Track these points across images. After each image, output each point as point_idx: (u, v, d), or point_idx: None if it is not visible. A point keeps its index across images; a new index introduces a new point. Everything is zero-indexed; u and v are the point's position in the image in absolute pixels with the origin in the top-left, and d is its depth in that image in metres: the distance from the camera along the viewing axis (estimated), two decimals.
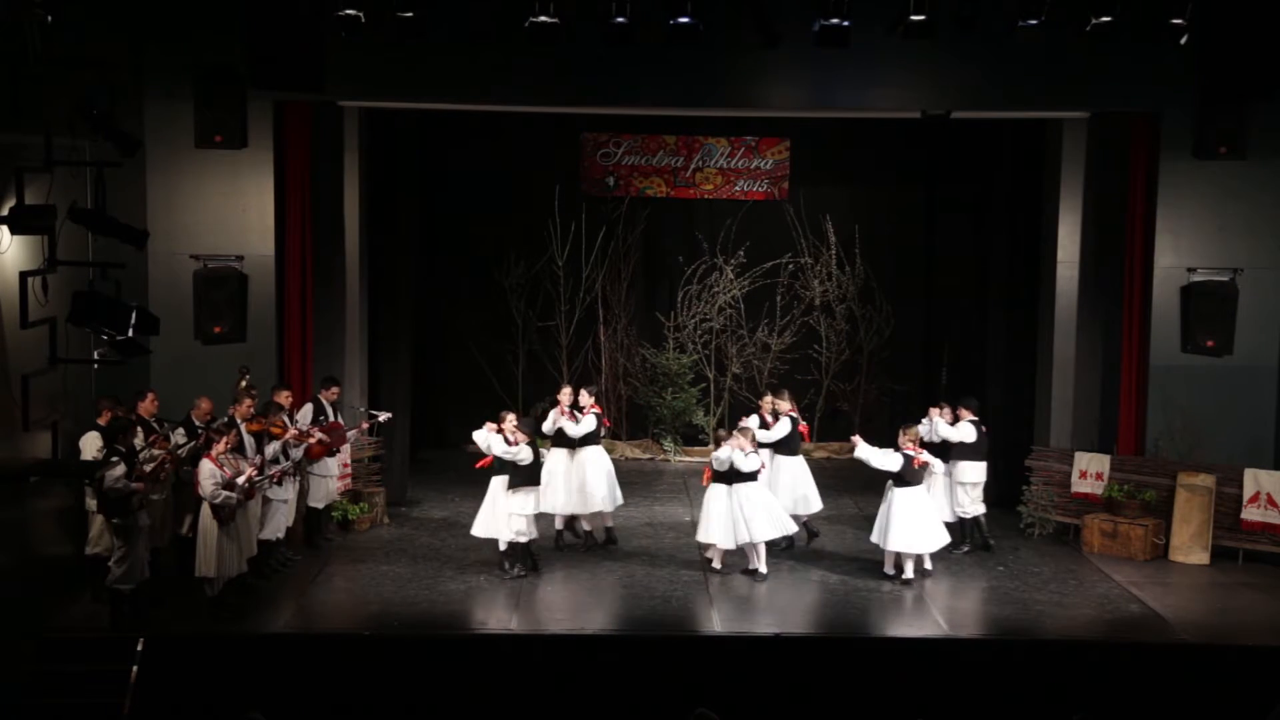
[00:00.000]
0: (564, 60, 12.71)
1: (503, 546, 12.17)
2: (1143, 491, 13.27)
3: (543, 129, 16.45)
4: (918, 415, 13.21)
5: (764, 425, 13.04)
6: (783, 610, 11.59)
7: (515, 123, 16.06)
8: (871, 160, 17.07)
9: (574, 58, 12.68)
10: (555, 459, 12.95)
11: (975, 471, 12.96)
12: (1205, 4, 11.70)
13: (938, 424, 12.80)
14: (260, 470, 11.27)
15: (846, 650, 10.73)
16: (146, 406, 11.40)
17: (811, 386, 17.41)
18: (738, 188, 17.40)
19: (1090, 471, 13.60)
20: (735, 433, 12.25)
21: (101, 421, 10.97)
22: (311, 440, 12.43)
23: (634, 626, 11.16)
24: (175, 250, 12.98)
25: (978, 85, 13.30)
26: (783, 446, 13.05)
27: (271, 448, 11.72)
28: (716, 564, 12.40)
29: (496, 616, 11.29)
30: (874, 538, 12.36)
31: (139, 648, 10.23)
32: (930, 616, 11.42)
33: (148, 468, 10.56)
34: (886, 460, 12.08)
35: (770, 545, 12.37)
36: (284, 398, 12.35)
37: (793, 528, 12.50)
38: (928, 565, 12.36)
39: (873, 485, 13.34)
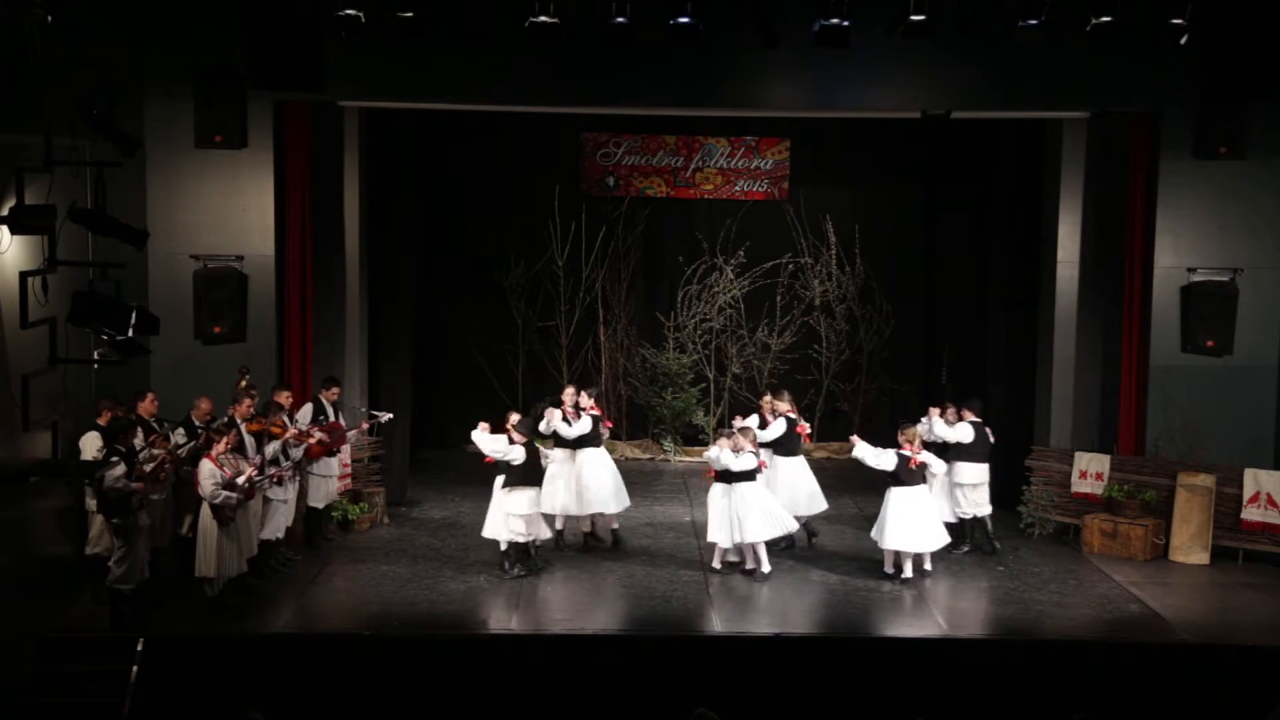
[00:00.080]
0: (564, 60, 12.71)
1: (503, 547, 12.19)
2: (1143, 491, 13.27)
3: (543, 129, 16.45)
4: (918, 415, 13.20)
5: (764, 425, 13.04)
6: (783, 610, 11.59)
7: (515, 123, 16.06)
8: (871, 160, 17.07)
9: (574, 58, 12.68)
10: (558, 460, 12.94)
11: (974, 473, 12.93)
12: (1205, 4, 11.70)
13: (935, 425, 12.80)
14: (260, 470, 11.28)
15: (846, 650, 10.73)
16: (146, 406, 11.40)
17: (811, 386, 17.41)
18: (738, 188, 17.40)
19: (1090, 471, 13.60)
20: (736, 433, 12.26)
21: (101, 421, 10.97)
22: (311, 440, 12.43)
23: (634, 626, 11.17)
24: (175, 250, 12.98)
25: (978, 85, 13.30)
26: (781, 447, 13.04)
27: (271, 448, 11.73)
28: (716, 564, 12.40)
29: (496, 616, 11.29)
30: (873, 535, 12.39)
31: (139, 648, 10.23)
32: (930, 616, 11.42)
33: (148, 468, 10.55)
34: (881, 460, 12.10)
35: (770, 545, 12.37)
36: (284, 398, 12.35)
37: (791, 526, 12.47)
38: (927, 565, 12.36)
39: (873, 485, 13.34)
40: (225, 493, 10.65)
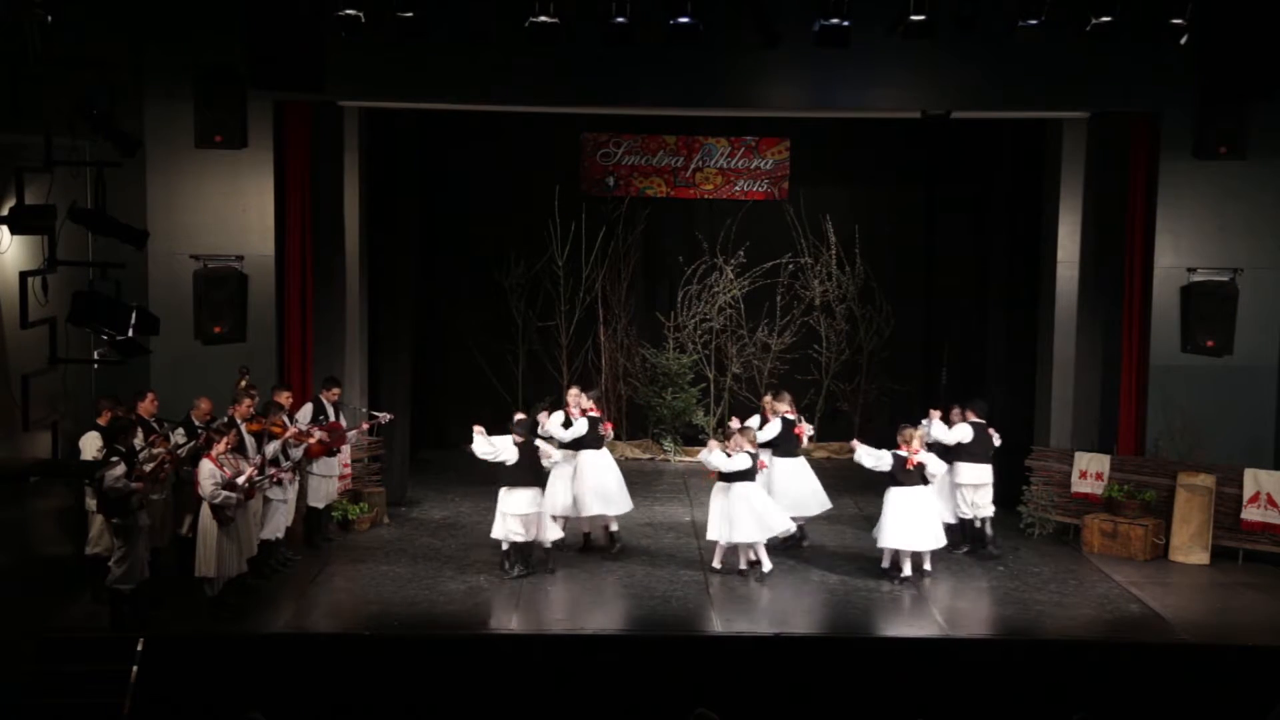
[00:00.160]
0: (564, 60, 12.71)
1: (504, 547, 12.18)
2: (1143, 491, 13.27)
3: (543, 129, 16.45)
4: (918, 415, 13.20)
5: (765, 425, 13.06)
6: (783, 610, 11.59)
7: (515, 123, 16.06)
8: (871, 160, 17.07)
9: (574, 58, 12.68)
10: (559, 461, 12.91)
11: (975, 473, 12.92)
12: (1205, 4, 11.70)
13: (934, 426, 12.79)
14: (260, 470, 11.28)
15: (846, 650, 10.73)
16: (146, 406, 11.40)
17: (811, 386, 17.40)
18: (738, 188, 17.40)
19: (1090, 471, 13.60)
20: (736, 433, 12.26)
21: (101, 421, 10.97)
22: (311, 440, 12.43)
23: (634, 626, 11.17)
24: (175, 250, 12.98)
25: (978, 85, 13.30)
26: (779, 448, 13.04)
27: (271, 448, 11.72)
28: (716, 563, 12.41)
29: (496, 616, 11.29)
30: (874, 534, 12.39)
31: (139, 648, 10.23)
32: (930, 616, 11.42)
33: (148, 468, 10.55)
34: (879, 461, 12.13)
35: (771, 544, 12.36)
36: (284, 398, 12.35)
37: (788, 526, 12.45)
38: (927, 565, 12.36)
39: (872, 485, 13.34)
40: (225, 493, 10.64)
